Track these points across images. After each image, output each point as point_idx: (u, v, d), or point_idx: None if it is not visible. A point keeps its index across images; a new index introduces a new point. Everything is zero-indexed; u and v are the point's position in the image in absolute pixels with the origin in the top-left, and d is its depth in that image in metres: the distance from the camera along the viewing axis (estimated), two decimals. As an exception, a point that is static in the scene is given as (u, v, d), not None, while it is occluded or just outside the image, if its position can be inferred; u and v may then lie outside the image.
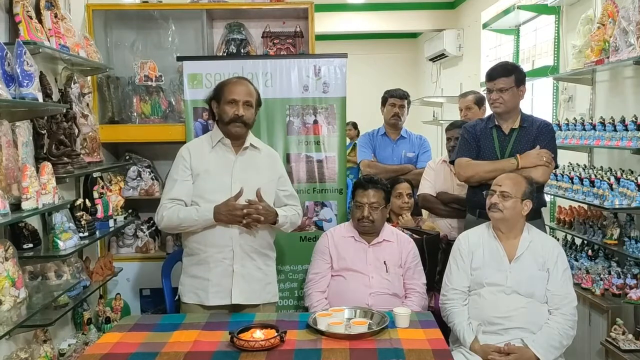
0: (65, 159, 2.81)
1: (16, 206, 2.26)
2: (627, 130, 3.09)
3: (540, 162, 2.81)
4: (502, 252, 2.55)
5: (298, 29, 3.91)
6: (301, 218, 2.83)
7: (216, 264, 2.54)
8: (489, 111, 4.04)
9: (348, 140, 6.85)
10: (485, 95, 4.21)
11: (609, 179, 3.17)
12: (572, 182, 3.49)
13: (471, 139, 3.01)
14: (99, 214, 3.16)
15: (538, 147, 2.86)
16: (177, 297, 2.70)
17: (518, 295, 2.46)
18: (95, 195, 3.22)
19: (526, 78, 3.00)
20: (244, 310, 2.57)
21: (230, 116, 2.55)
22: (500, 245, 2.56)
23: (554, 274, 2.49)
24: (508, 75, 2.87)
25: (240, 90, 2.58)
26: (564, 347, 2.44)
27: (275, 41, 3.91)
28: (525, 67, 4.26)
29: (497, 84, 2.88)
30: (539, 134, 2.91)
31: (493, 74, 2.91)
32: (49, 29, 2.74)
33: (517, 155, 2.85)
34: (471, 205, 3.03)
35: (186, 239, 2.64)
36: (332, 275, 2.86)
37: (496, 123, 2.98)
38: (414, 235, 3.09)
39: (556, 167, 2.98)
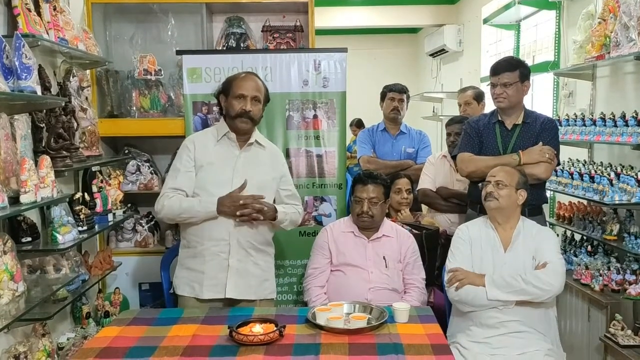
0: (64, 152, 2.80)
1: (15, 199, 2.25)
2: (627, 125, 3.08)
3: (542, 158, 2.81)
4: (499, 243, 2.56)
5: (298, 23, 3.90)
6: (302, 217, 2.82)
7: (212, 257, 2.54)
8: (488, 107, 4.05)
9: (353, 138, 6.87)
10: (484, 91, 4.24)
11: (609, 174, 3.17)
12: (572, 178, 3.49)
13: (474, 134, 3.00)
14: (98, 208, 3.16)
15: (541, 143, 2.85)
16: (171, 289, 2.69)
17: None
18: (94, 189, 3.21)
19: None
20: (239, 305, 2.56)
21: (237, 111, 2.55)
22: (496, 236, 2.57)
23: (542, 251, 2.49)
24: (513, 70, 2.86)
25: (249, 85, 2.57)
26: (524, 294, 2.38)
27: (275, 35, 3.90)
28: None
29: (501, 78, 2.87)
30: (542, 131, 2.90)
31: (497, 69, 2.90)
32: (48, 22, 2.73)
33: (520, 151, 2.84)
34: (472, 200, 3.03)
35: (184, 231, 2.64)
36: (331, 270, 2.86)
37: (499, 118, 2.97)
38: (414, 231, 3.09)
39: (558, 164, 2.98)
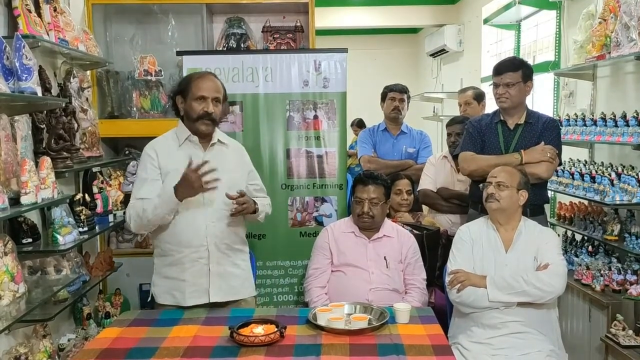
0: (65, 153, 2.80)
1: (15, 201, 2.25)
2: (628, 125, 3.08)
3: (544, 157, 2.81)
4: (500, 243, 2.55)
5: (298, 24, 3.90)
6: (271, 210, 2.77)
7: (192, 264, 2.47)
8: (488, 107, 4.05)
9: (355, 138, 6.87)
10: (484, 91, 4.24)
11: (609, 174, 3.17)
12: (573, 178, 3.49)
13: (476, 133, 3.00)
14: (99, 209, 3.16)
15: (543, 143, 2.85)
16: (150, 297, 2.61)
17: None
18: (95, 190, 3.21)
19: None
20: (228, 306, 2.53)
21: (199, 113, 2.45)
22: (498, 236, 2.57)
23: (544, 252, 2.49)
24: (515, 70, 2.86)
25: (209, 86, 2.47)
26: (525, 295, 2.38)
27: (275, 36, 3.91)
28: (526, 62, 4.24)
29: (504, 78, 2.87)
30: (544, 130, 2.90)
31: (500, 69, 2.90)
32: (48, 23, 2.73)
33: (522, 150, 2.84)
34: (474, 200, 3.02)
35: (157, 239, 2.54)
36: (332, 271, 2.86)
37: (501, 118, 2.97)
38: (414, 231, 3.08)
39: (560, 164, 2.98)
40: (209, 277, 2.49)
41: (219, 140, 2.58)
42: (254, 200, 2.55)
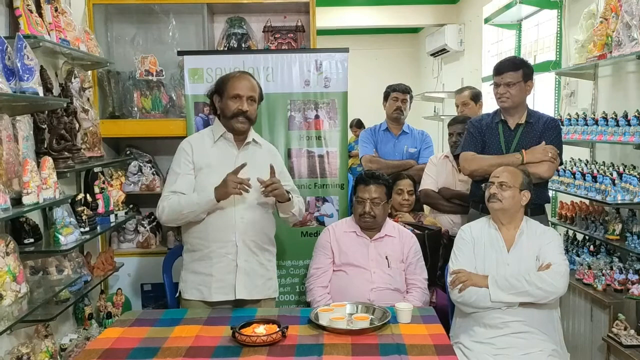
0: (66, 153, 2.80)
1: (17, 201, 2.25)
2: (629, 125, 3.08)
3: (545, 157, 2.81)
4: (502, 243, 2.55)
5: (299, 24, 3.90)
6: (304, 209, 2.82)
7: (219, 259, 2.53)
8: (487, 106, 4.04)
9: (354, 138, 6.87)
10: (481, 91, 4.24)
11: (611, 174, 3.16)
12: (574, 178, 3.48)
13: (477, 133, 3.00)
14: (100, 209, 3.16)
15: (544, 142, 2.85)
16: (177, 293, 2.68)
17: None
18: (96, 190, 3.21)
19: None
20: (245, 306, 2.56)
21: (234, 111, 2.53)
22: (499, 236, 2.57)
23: (546, 252, 2.49)
24: (516, 69, 2.86)
25: (244, 85, 2.56)
26: (528, 295, 2.38)
27: (276, 36, 3.90)
28: (527, 62, 4.24)
29: (504, 78, 2.87)
30: (545, 130, 2.90)
31: (501, 68, 2.90)
32: (50, 23, 2.73)
33: (523, 150, 2.84)
34: (475, 200, 3.03)
35: (186, 235, 2.62)
36: (333, 271, 2.86)
37: (502, 118, 2.97)
38: (416, 231, 3.08)
39: (560, 163, 2.98)
40: (235, 273, 2.53)
41: (253, 140, 2.66)
42: (287, 190, 2.57)
